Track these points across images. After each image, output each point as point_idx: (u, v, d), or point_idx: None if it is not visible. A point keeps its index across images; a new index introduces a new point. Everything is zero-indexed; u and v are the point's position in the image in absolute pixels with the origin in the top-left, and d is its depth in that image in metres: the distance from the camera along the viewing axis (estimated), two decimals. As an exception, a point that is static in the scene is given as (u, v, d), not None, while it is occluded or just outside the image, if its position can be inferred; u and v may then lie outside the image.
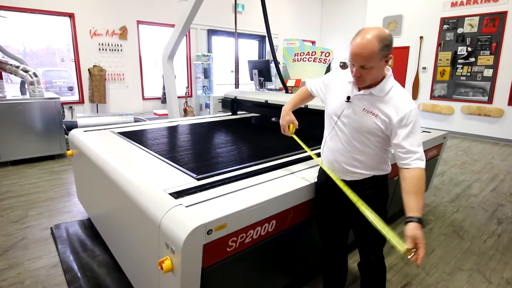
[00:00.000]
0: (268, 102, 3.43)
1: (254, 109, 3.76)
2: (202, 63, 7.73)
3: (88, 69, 6.23)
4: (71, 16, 5.91)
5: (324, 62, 8.06)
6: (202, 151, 2.32)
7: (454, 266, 2.34)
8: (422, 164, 1.32)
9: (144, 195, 1.53)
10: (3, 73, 4.46)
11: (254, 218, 1.44)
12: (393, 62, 7.21)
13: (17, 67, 4.49)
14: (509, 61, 6.02)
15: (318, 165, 1.81)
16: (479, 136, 6.59)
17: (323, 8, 10.64)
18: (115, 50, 6.50)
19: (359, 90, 1.41)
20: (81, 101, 6.33)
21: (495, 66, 6.17)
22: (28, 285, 2.03)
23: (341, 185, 1.45)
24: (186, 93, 7.80)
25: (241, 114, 4.12)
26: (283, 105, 1.84)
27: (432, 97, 7.12)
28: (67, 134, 4.60)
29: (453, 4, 6.54)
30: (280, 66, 8.34)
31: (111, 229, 2.15)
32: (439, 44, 6.85)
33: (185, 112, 7.55)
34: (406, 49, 7.39)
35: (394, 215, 3.04)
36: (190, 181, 1.66)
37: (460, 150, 5.64)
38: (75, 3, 5.90)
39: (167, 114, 6.23)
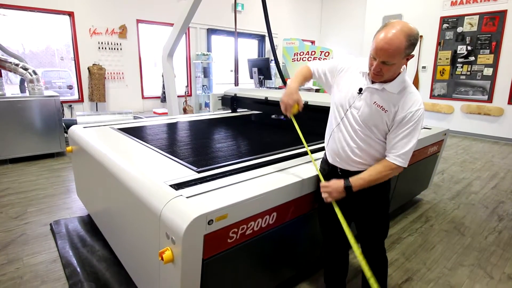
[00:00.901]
0: (268, 99, 3.42)
1: (254, 106, 3.76)
2: (201, 62, 7.73)
3: (88, 68, 6.23)
4: (70, 14, 5.91)
5: (324, 61, 8.04)
6: (202, 146, 2.31)
7: (455, 261, 2.33)
8: (400, 163, 1.38)
9: (144, 187, 1.53)
10: (3, 72, 4.45)
11: (255, 210, 1.43)
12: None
13: (17, 64, 4.48)
14: (509, 60, 6.03)
15: (319, 159, 1.80)
16: (479, 135, 6.59)
17: (323, 8, 10.65)
18: (114, 48, 6.50)
19: (372, 83, 1.39)
20: (80, 100, 6.32)
21: (495, 65, 6.18)
22: (27, 280, 2.02)
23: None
24: (185, 92, 7.79)
25: (241, 111, 4.11)
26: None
27: (432, 96, 7.12)
28: (67, 133, 4.59)
29: (453, 3, 6.55)
30: (280, 65, 8.35)
31: (111, 223, 2.14)
32: (438, 43, 6.85)
33: (185, 111, 7.54)
34: (405, 48, 7.37)
35: (394, 212, 3.03)
36: (190, 174, 1.65)
37: (460, 149, 5.64)
38: (75, 2, 5.90)
39: (166, 113, 6.23)
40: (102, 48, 6.35)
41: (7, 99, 4.19)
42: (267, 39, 8.85)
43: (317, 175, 1.71)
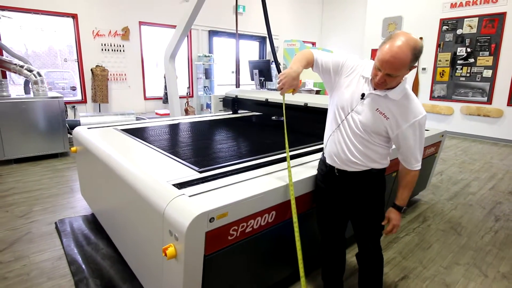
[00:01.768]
0: (269, 101, 3.48)
1: (255, 108, 3.82)
2: (203, 64, 7.80)
3: (91, 69, 6.30)
4: (74, 17, 5.99)
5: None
6: (203, 147, 2.37)
7: (451, 260, 2.38)
8: (419, 167, 1.54)
9: (148, 186, 1.58)
10: (7, 73, 4.52)
11: (255, 208, 1.49)
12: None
13: (21, 66, 4.55)
14: (508, 61, 6.07)
15: (317, 159, 1.86)
16: (479, 136, 6.62)
17: (324, 10, 10.70)
18: (117, 50, 6.58)
19: (375, 89, 1.42)
20: (83, 101, 6.40)
21: (494, 67, 6.22)
22: (34, 276, 2.08)
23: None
24: (187, 93, 7.86)
25: (242, 113, 4.17)
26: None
27: (432, 97, 7.17)
28: (70, 133, 4.66)
29: (453, 5, 6.59)
30: (281, 67, 8.40)
31: (115, 222, 2.20)
32: (438, 45, 6.90)
33: (186, 112, 7.61)
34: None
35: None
36: (192, 174, 1.71)
37: (459, 150, 5.68)
38: (78, 4, 5.98)
39: (168, 114, 6.29)
40: (105, 49, 6.43)
41: (12, 100, 4.27)
42: (268, 40, 8.91)
43: (315, 175, 1.77)
